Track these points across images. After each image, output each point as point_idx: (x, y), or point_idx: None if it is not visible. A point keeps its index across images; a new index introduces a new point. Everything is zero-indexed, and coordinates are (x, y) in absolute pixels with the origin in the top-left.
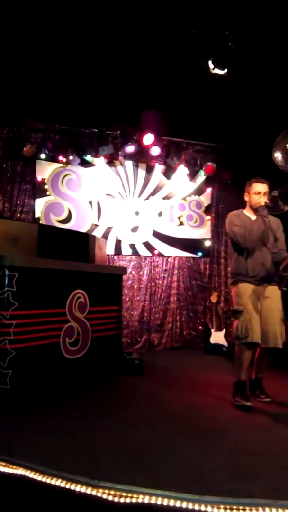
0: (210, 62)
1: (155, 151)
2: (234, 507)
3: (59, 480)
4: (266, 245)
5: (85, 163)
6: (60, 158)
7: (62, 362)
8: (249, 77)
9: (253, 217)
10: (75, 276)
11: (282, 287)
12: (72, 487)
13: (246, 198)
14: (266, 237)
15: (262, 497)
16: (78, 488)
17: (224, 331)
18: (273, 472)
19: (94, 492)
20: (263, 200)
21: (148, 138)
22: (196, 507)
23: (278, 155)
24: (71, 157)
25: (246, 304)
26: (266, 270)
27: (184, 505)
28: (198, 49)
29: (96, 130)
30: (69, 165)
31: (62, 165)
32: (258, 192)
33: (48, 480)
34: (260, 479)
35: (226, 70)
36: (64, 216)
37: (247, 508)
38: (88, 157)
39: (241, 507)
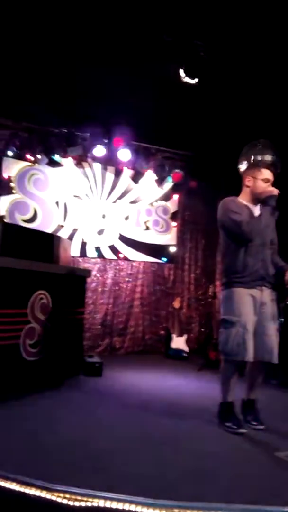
0: (181, 71)
1: (124, 155)
2: (188, 510)
3: (13, 484)
4: (266, 240)
5: (53, 163)
6: (28, 156)
7: (21, 364)
8: (218, 87)
9: (252, 206)
10: (38, 276)
11: (287, 301)
12: (27, 490)
13: (249, 183)
14: (269, 231)
15: (216, 501)
16: (33, 491)
17: (185, 336)
18: (228, 477)
19: (49, 496)
20: (274, 189)
21: (118, 142)
22: (151, 510)
23: (243, 168)
24: (39, 156)
25: (241, 315)
26: (266, 268)
27: (139, 508)
28: (170, 56)
29: (65, 130)
30: (36, 164)
31: (29, 163)
32: (267, 179)
33: (2, 484)
34: (214, 483)
35: (197, 80)
36: (29, 215)
37: (200, 511)
38: (56, 157)
39: (194, 511)
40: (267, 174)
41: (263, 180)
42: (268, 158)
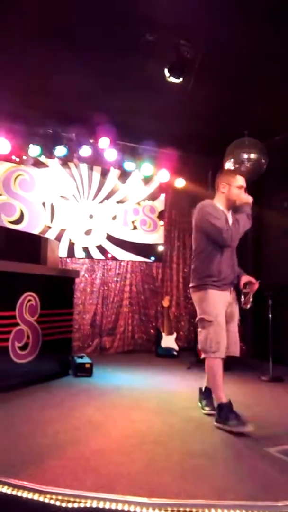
0: (166, 71)
1: (111, 155)
2: (181, 509)
3: (5, 487)
4: (235, 245)
5: (38, 164)
6: (13, 157)
7: (10, 366)
8: (203, 86)
9: (227, 212)
10: (26, 278)
11: (244, 305)
12: (19, 493)
13: (224, 190)
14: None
15: (208, 498)
16: (24, 494)
17: (175, 335)
18: (219, 474)
19: (41, 498)
20: (249, 197)
21: (104, 142)
22: (144, 510)
23: (229, 166)
24: (24, 157)
25: (217, 315)
26: (234, 272)
27: (132, 508)
28: (154, 56)
29: (50, 130)
30: (22, 165)
31: (14, 164)
32: (241, 186)
33: None
34: (206, 481)
35: (181, 79)
36: (16, 216)
37: (194, 509)
38: (42, 158)
39: (187, 509)
40: (241, 180)
41: (237, 187)
42: (253, 156)
